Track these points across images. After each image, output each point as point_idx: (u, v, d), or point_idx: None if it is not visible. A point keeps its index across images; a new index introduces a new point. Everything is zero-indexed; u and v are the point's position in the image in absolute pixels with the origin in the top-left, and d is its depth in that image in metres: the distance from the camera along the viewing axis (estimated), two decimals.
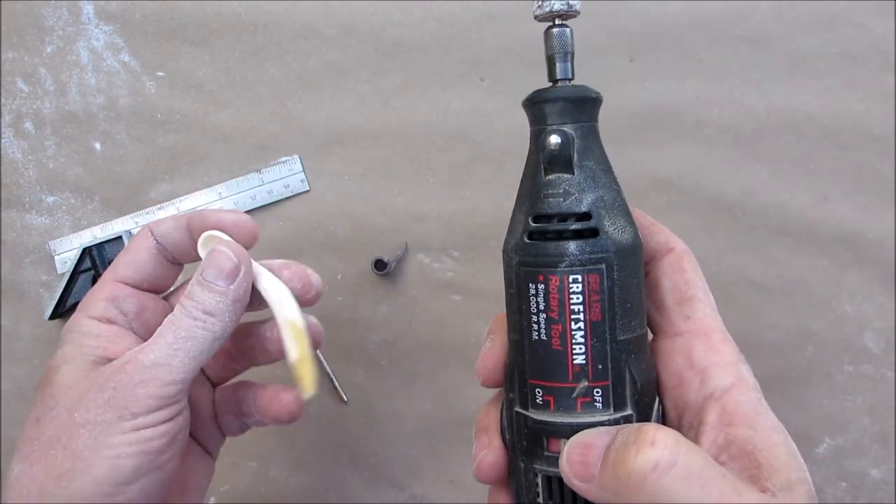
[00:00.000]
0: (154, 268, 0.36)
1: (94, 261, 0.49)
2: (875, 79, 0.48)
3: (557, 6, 0.31)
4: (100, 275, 0.49)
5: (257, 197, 0.50)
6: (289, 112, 0.50)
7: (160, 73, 0.50)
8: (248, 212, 0.50)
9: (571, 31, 0.32)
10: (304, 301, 0.36)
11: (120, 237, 0.49)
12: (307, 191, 0.50)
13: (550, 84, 0.32)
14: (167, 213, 0.50)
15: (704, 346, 0.31)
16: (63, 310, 0.49)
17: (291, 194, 0.50)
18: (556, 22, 0.31)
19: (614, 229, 0.30)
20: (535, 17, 0.32)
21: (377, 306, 0.50)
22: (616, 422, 0.29)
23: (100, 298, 0.35)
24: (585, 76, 0.49)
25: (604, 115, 0.49)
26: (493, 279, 0.49)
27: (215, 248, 0.34)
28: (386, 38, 0.50)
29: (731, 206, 0.48)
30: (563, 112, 0.31)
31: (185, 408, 0.33)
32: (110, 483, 0.30)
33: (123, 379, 0.31)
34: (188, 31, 0.50)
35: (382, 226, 0.49)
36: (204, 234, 0.35)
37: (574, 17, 0.31)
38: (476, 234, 0.49)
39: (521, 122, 0.50)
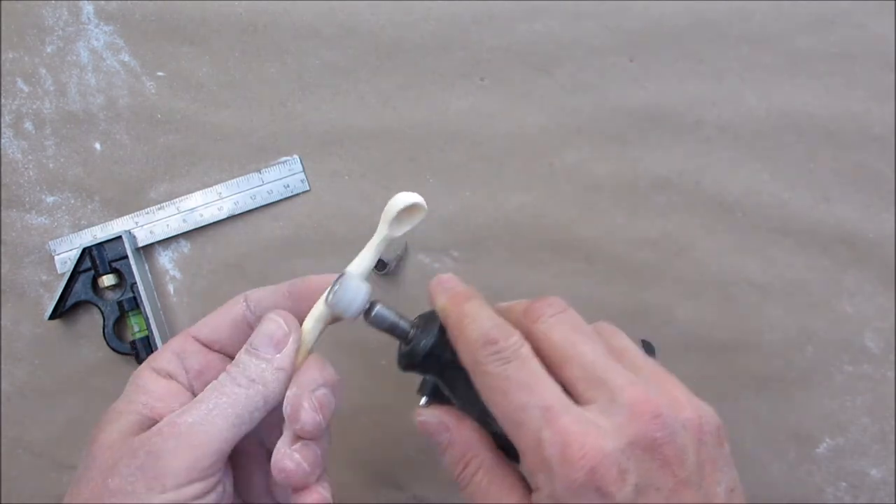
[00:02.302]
0: (231, 333, 0.35)
1: (94, 261, 0.49)
2: (875, 79, 0.48)
3: (354, 307, 0.33)
4: (100, 275, 0.49)
5: (257, 197, 0.50)
6: (289, 112, 0.50)
7: (160, 73, 0.50)
8: (247, 212, 0.50)
9: (383, 304, 0.34)
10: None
11: (120, 237, 0.49)
12: (307, 191, 0.50)
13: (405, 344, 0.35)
14: (167, 212, 0.50)
15: None
16: (63, 310, 0.49)
17: (291, 194, 0.50)
18: (371, 311, 0.34)
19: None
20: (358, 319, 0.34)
21: None
22: None
23: (168, 350, 0.35)
24: (586, 76, 0.49)
25: (604, 114, 0.50)
26: (493, 279, 0.49)
27: (267, 315, 0.34)
28: (386, 38, 0.50)
29: (731, 206, 0.48)
30: (421, 368, 0.34)
31: (220, 483, 0.31)
32: None
33: (157, 443, 0.30)
34: (188, 31, 0.50)
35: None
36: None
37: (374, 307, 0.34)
38: (476, 234, 0.49)
39: (521, 122, 0.50)
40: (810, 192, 0.48)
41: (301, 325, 0.34)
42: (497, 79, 0.49)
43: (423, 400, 0.34)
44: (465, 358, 0.31)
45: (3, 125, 0.51)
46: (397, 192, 0.34)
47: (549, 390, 0.29)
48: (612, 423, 0.28)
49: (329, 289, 0.34)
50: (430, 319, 0.34)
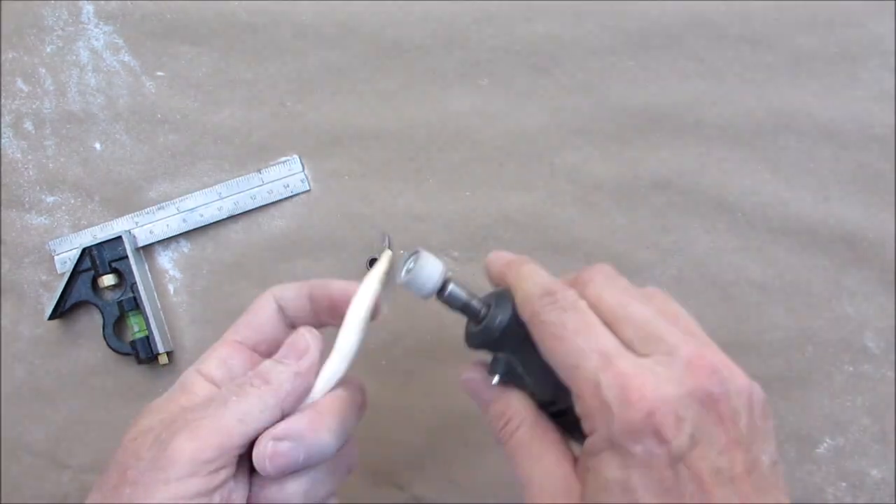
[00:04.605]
0: (272, 329, 0.37)
1: (94, 261, 0.49)
2: (875, 79, 0.48)
3: (430, 285, 0.33)
4: (100, 275, 0.49)
5: (257, 197, 0.50)
6: (289, 112, 0.50)
7: (160, 73, 0.50)
8: (247, 212, 0.50)
9: (456, 281, 0.33)
10: None
11: (120, 237, 0.49)
12: (307, 191, 0.50)
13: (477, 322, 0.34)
14: (167, 212, 0.50)
15: None
16: (63, 310, 0.49)
17: (291, 194, 0.50)
18: (445, 289, 0.33)
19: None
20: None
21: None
22: None
23: (214, 356, 0.36)
24: (586, 76, 0.49)
25: (604, 114, 0.50)
26: None
27: (298, 329, 0.36)
28: (386, 38, 0.50)
29: (731, 206, 0.48)
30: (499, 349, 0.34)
31: (224, 486, 0.31)
32: None
33: (165, 435, 0.31)
34: (188, 31, 0.50)
35: (382, 226, 0.49)
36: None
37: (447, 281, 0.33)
38: (476, 234, 0.49)
39: (521, 122, 0.50)
40: (810, 192, 0.48)
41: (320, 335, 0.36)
42: (497, 79, 0.49)
43: (496, 379, 0.33)
44: (524, 312, 0.31)
45: (3, 125, 0.51)
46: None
47: (606, 336, 0.29)
48: (669, 372, 0.28)
49: (402, 265, 0.34)
50: (501, 297, 0.33)
